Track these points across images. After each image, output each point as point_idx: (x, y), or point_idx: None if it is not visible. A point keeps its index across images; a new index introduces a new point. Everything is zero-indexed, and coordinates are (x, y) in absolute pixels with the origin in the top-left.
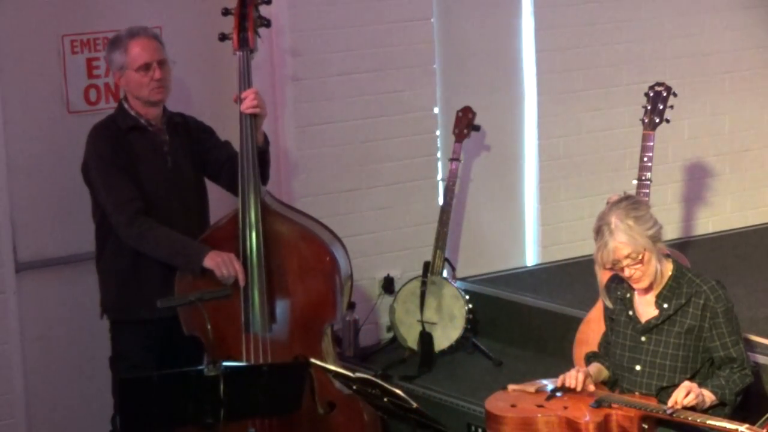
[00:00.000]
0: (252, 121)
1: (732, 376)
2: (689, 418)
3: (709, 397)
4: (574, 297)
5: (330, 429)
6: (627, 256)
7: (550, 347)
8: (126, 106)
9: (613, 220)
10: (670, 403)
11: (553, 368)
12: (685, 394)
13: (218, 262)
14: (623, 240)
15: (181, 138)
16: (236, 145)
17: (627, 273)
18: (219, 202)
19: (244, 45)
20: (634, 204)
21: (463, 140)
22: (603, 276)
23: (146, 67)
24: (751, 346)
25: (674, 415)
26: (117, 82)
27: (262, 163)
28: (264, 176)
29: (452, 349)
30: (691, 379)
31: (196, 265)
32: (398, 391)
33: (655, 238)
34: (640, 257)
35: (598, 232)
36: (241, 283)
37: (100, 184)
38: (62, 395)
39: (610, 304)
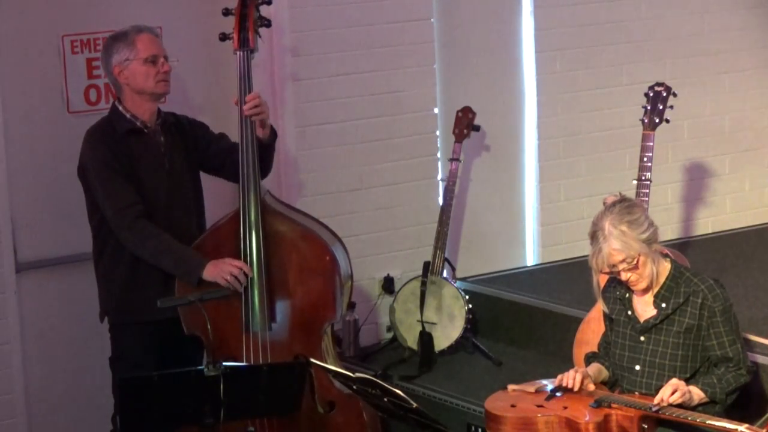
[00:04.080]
0: (251, 122)
1: (726, 375)
2: (689, 418)
3: (697, 394)
4: (574, 297)
5: (330, 429)
6: (622, 261)
7: (550, 347)
8: (120, 108)
9: (607, 225)
10: (656, 400)
11: (553, 368)
12: (672, 392)
13: (217, 273)
14: (617, 247)
15: (176, 138)
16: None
17: (623, 277)
18: (217, 202)
19: (245, 45)
20: (627, 208)
21: (463, 140)
22: (600, 279)
23: (153, 59)
24: (750, 345)
25: (660, 412)
26: (116, 77)
27: (266, 156)
28: (266, 169)
29: (452, 349)
30: (691, 378)
31: (193, 277)
32: (398, 391)
33: (650, 241)
34: (635, 262)
35: (593, 237)
36: (249, 274)
37: (99, 188)
38: (62, 395)
39: (606, 309)
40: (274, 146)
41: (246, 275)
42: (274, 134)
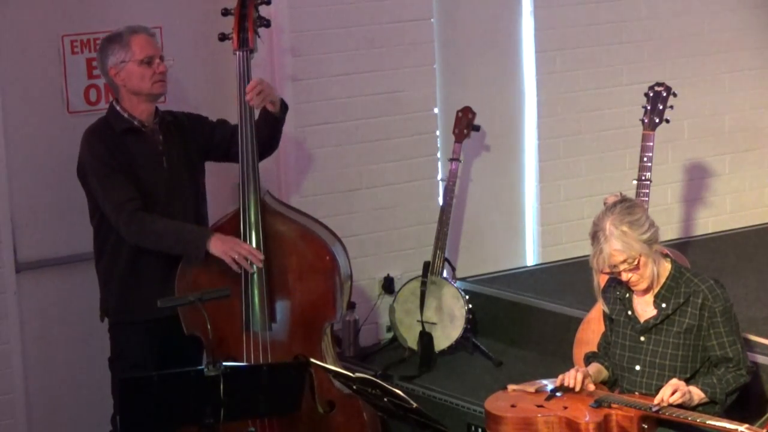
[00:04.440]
0: (251, 122)
1: (726, 375)
2: (689, 418)
3: (697, 395)
4: (574, 297)
5: (330, 428)
6: (623, 262)
7: (550, 347)
8: (118, 108)
9: (608, 226)
10: (656, 400)
11: (553, 368)
12: (672, 392)
13: (225, 250)
14: (618, 247)
15: (174, 136)
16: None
17: (624, 277)
18: (217, 202)
19: (244, 45)
20: (628, 208)
21: (463, 140)
22: (600, 279)
23: (149, 60)
24: (750, 345)
25: (660, 412)
26: (113, 78)
27: (277, 130)
28: (276, 143)
29: (452, 349)
30: (691, 378)
31: (199, 250)
32: (398, 391)
33: (651, 241)
34: (635, 263)
35: (594, 237)
36: (259, 257)
37: (98, 186)
38: (62, 395)
39: (607, 310)
40: (284, 118)
41: (255, 259)
42: (285, 107)
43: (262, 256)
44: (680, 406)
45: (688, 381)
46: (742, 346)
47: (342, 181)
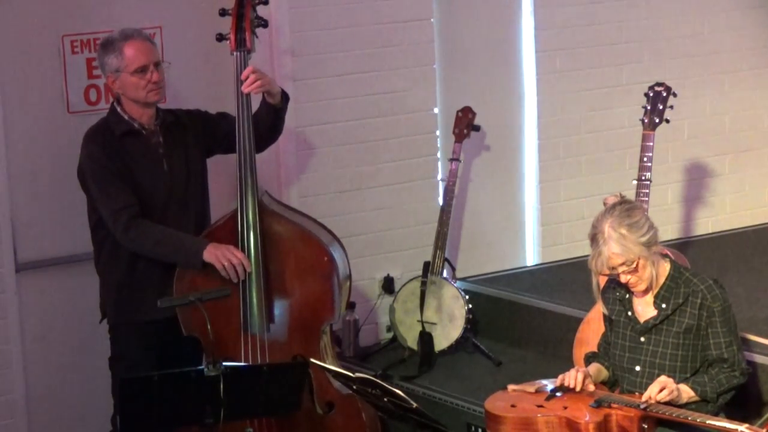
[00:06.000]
0: (249, 124)
1: (718, 375)
2: (689, 418)
3: (686, 393)
4: (574, 297)
5: (329, 429)
6: (622, 264)
7: (550, 347)
8: (119, 109)
9: (607, 228)
10: (644, 398)
11: (553, 368)
12: (659, 389)
13: (217, 255)
14: (616, 250)
15: (175, 137)
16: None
17: (623, 279)
18: (216, 203)
19: (242, 46)
20: (627, 210)
21: (463, 140)
22: (600, 280)
23: (143, 69)
24: (749, 345)
25: (648, 410)
26: (111, 85)
27: (280, 120)
28: (279, 132)
29: (452, 349)
30: (691, 378)
31: (196, 259)
32: (398, 391)
33: (650, 243)
34: (634, 265)
35: (593, 239)
36: (247, 269)
37: (96, 190)
38: (62, 395)
39: (606, 311)
40: (286, 108)
41: (245, 270)
42: (286, 98)
43: (249, 268)
44: (668, 403)
45: (687, 381)
46: (739, 348)
47: (342, 181)
